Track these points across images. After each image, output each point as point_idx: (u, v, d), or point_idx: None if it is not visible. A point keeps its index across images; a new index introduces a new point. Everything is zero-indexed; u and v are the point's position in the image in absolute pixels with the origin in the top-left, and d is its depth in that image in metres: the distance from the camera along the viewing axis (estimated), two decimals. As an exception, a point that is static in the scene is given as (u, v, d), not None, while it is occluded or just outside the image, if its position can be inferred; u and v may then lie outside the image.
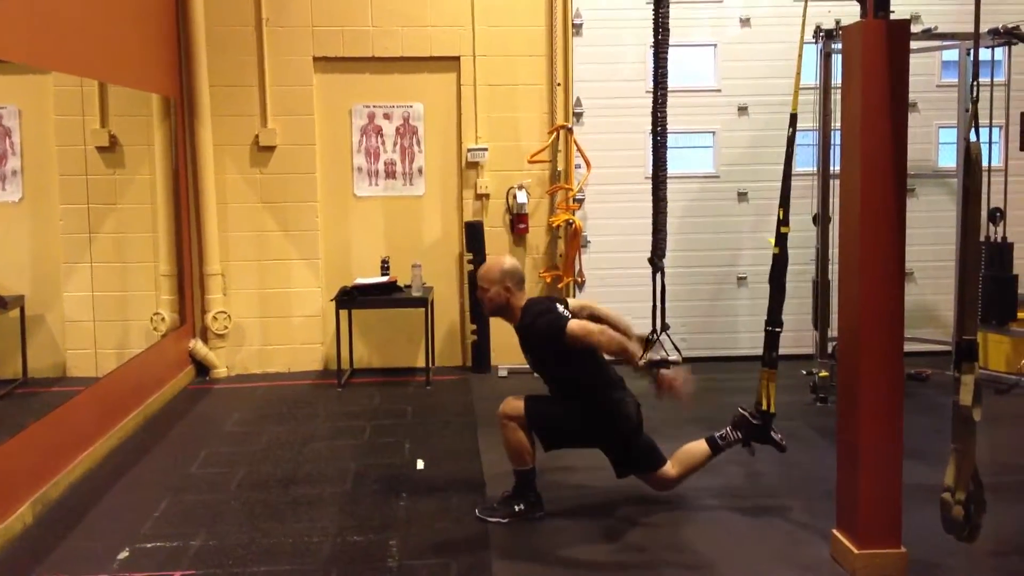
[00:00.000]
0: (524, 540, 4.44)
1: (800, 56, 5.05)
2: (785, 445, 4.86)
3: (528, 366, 4.85)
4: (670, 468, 4.76)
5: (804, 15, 5.02)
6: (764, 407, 4.83)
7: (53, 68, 5.37)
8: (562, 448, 4.75)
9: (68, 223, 5.94)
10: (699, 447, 4.82)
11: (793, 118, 5.02)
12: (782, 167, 5.03)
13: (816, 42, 6.76)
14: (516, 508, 4.61)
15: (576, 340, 4.37)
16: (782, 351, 7.73)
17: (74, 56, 5.56)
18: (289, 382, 7.53)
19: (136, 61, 6.63)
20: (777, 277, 5.03)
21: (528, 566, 4.21)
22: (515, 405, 4.59)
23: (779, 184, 7.74)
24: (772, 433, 4.84)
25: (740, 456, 5.51)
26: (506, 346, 7.65)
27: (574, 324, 4.42)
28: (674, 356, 5.82)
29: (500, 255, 5.26)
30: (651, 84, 7.01)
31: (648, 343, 5.31)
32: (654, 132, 6.51)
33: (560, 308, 4.66)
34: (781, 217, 4.98)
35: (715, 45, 7.84)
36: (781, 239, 4.96)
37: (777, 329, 5.00)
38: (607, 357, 4.53)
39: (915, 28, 6.75)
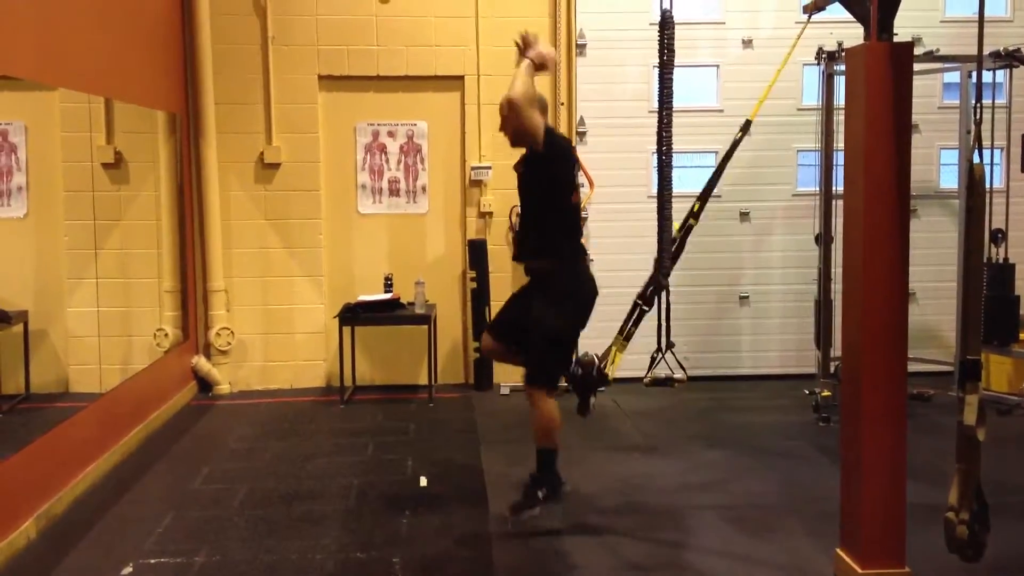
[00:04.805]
0: (527, 558, 4.44)
1: (779, 71, 5.10)
2: (591, 413, 4.94)
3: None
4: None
5: (799, 36, 5.06)
6: (606, 371, 4.92)
7: (59, 85, 5.40)
8: (574, 337, 4.80)
9: (72, 239, 5.96)
10: None
11: (747, 124, 5.07)
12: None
13: (818, 64, 6.81)
14: (540, 495, 4.61)
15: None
16: (784, 371, 7.89)
17: (80, 73, 5.59)
18: (292, 398, 7.54)
19: (142, 78, 6.67)
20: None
21: (532, 584, 4.22)
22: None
23: (781, 203, 7.80)
24: (593, 396, 4.91)
25: (743, 474, 5.52)
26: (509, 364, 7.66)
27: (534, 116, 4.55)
28: (679, 374, 5.87)
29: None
30: (654, 104, 7.08)
31: (652, 360, 5.34)
32: (659, 152, 6.56)
33: (567, 147, 4.83)
34: (696, 209, 5.04)
35: (717, 66, 7.89)
36: (686, 231, 5.08)
37: (646, 308, 5.16)
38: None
39: (917, 51, 6.80)
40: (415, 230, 7.94)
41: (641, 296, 5.09)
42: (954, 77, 7.43)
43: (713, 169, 5.08)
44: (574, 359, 4.91)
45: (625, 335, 5.01)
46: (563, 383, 4.90)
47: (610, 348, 4.98)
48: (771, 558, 4.41)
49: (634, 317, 5.12)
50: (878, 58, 3.82)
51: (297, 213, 7.76)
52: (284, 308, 7.82)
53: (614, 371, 4.91)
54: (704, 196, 5.02)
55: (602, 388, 4.95)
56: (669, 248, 5.22)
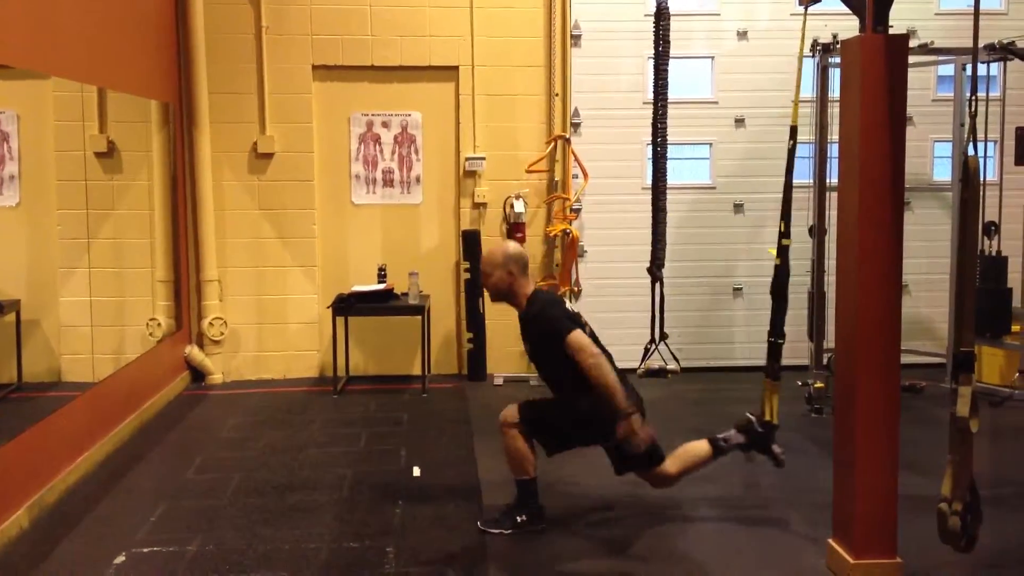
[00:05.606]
0: (521, 549, 4.45)
1: (800, 70, 5.09)
2: (783, 460, 4.80)
3: (524, 374, 4.82)
4: (669, 466, 4.63)
5: (803, 29, 5.06)
6: (767, 418, 4.81)
7: (53, 73, 5.37)
8: (564, 451, 4.68)
9: (65, 228, 5.93)
10: (701, 446, 4.73)
11: (793, 130, 5.06)
12: (782, 179, 5.06)
13: (813, 56, 6.80)
14: (518, 519, 4.57)
15: (571, 352, 4.29)
16: (778, 362, 7.85)
17: (74, 61, 5.57)
18: (285, 388, 7.53)
19: (136, 67, 6.64)
20: (779, 288, 5.05)
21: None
22: (513, 412, 4.57)
23: (774, 195, 7.78)
24: (773, 446, 4.79)
25: (736, 466, 5.53)
26: (502, 354, 7.68)
27: (577, 336, 4.30)
28: (672, 365, 5.86)
29: (504, 240, 5.12)
30: (649, 95, 7.09)
31: (646, 351, 5.31)
32: (654, 143, 6.57)
33: (568, 308, 4.56)
34: (783, 230, 5.00)
35: (712, 57, 7.88)
36: (783, 251, 4.98)
37: (780, 340, 5.01)
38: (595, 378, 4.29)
39: (912, 43, 6.80)
40: (409, 221, 7.93)
41: (773, 333, 5.05)
42: (948, 70, 7.44)
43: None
44: (738, 429, 4.79)
45: (771, 374, 4.95)
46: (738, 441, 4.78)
47: (763, 396, 4.92)
48: (763, 549, 4.42)
49: (773, 354, 5.03)
50: (873, 50, 3.82)
51: (291, 203, 7.75)
52: (277, 298, 7.81)
53: (775, 415, 4.86)
54: (785, 215, 4.98)
55: (775, 435, 4.83)
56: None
